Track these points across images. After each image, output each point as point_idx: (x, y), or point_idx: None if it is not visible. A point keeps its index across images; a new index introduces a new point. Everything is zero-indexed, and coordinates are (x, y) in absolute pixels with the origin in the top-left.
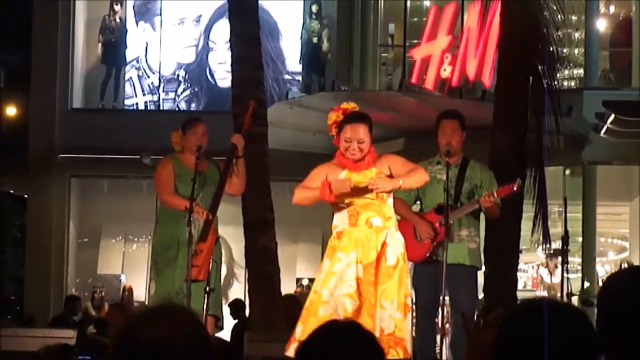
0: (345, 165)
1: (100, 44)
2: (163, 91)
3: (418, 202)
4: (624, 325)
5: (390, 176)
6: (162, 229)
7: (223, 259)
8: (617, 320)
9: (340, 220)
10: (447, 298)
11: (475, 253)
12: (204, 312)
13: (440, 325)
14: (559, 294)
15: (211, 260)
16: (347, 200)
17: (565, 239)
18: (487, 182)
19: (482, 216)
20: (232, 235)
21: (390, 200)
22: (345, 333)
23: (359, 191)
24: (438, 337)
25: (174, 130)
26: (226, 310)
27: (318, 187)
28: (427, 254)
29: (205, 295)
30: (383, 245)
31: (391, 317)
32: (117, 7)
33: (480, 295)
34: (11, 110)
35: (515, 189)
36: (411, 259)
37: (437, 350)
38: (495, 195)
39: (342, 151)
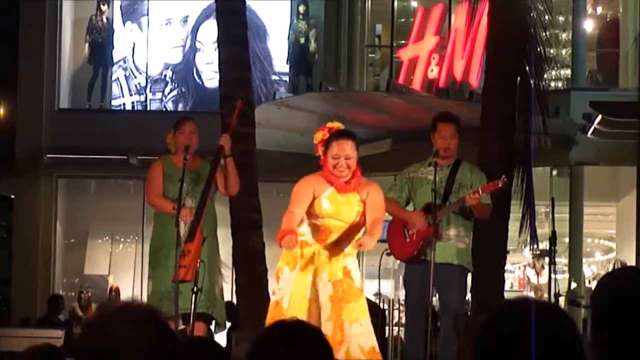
0: (332, 182)
1: (87, 44)
2: (150, 91)
3: (411, 203)
4: (618, 324)
5: (363, 203)
6: (156, 229)
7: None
8: (611, 320)
9: (308, 230)
10: (435, 298)
11: (464, 253)
12: (192, 311)
13: (429, 325)
14: (545, 295)
15: (199, 261)
16: (323, 219)
17: (552, 239)
18: (476, 183)
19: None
20: (219, 236)
21: (362, 230)
22: (294, 332)
23: (338, 213)
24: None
25: (168, 132)
26: None
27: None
28: (415, 252)
29: (193, 295)
30: (346, 268)
31: (363, 333)
32: (104, 8)
33: (468, 296)
34: None
35: (500, 185)
36: (399, 257)
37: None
38: (480, 192)
39: (330, 169)
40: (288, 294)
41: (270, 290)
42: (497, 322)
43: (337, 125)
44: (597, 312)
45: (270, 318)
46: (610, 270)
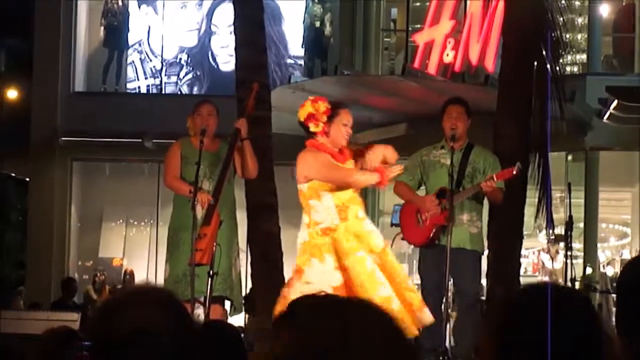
0: (333, 154)
1: (102, 28)
2: (165, 75)
3: (423, 187)
4: None
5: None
6: (174, 212)
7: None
8: (638, 304)
9: (325, 215)
10: (450, 283)
11: (477, 237)
12: (208, 295)
13: (443, 310)
14: (560, 280)
15: (215, 244)
16: (335, 195)
17: (569, 224)
18: (490, 167)
19: (486, 201)
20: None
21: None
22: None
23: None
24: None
25: (189, 115)
26: None
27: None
28: (429, 237)
29: (209, 278)
30: (371, 233)
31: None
32: None
33: (484, 280)
34: (13, 94)
35: (514, 172)
36: (413, 243)
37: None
38: (495, 179)
39: (336, 137)
40: (327, 286)
41: (285, 275)
42: (518, 307)
43: (320, 98)
44: (623, 298)
45: None
46: (633, 256)
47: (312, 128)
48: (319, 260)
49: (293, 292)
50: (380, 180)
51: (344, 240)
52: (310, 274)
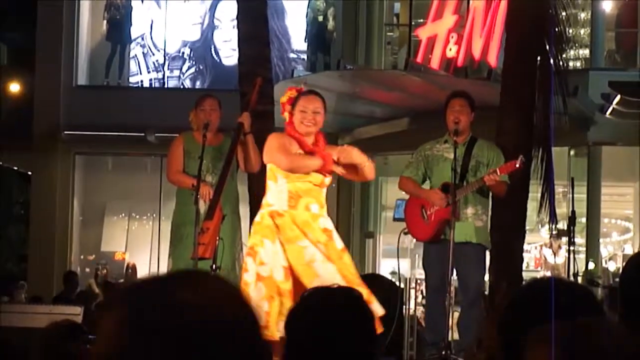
0: (300, 142)
1: (105, 21)
2: (168, 69)
3: (427, 181)
4: None
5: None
6: (177, 207)
7: None
8: None
9: (277, 199)
10: (454, 278)
11: (482, 231)
12: None
13: (447, 304)
14: (563, 275)
15: (218, 238)
16: (291, 181)
17: (571, 219)
18: (494, 160)
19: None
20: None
21: (325, 190)
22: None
23: (306, 174)
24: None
25: (191, 110)
26: None
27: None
28: (435, 233)
29: (212, 273)
30: (325, 231)
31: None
32: None
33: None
34: (15, 87)
35: (517, 165)
36: (418, 238)
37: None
38: (498, 172)
39: (296, 124)
40: (279, 266)
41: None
42: (523, 300)
43: (291, 88)
44: (626, 293)
45: (268, 293)
46: (636, 252)
47: (285, 116)
48: (271, 241)
49: (250, 275)
50: (323, 165)
51: (287, 229)
52: (264, 254)
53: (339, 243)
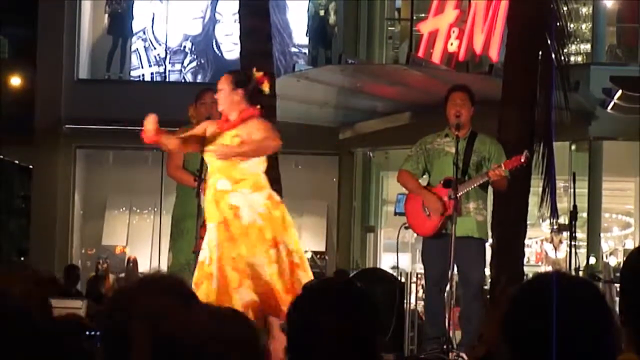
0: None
1: (106, 15)
2: (169, 63)
3: (426, 175)
4: None
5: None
6: (177, 200)
7: None
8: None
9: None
10: (455, 272)
11: (483, 226)
12: None
13: (448, 299)
14: (564, 269)
15: None
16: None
17: (573, 214)
18: (495, 155)
19: (490, 189)
20: None
21: (245, 163)
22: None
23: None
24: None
25: (190, 104)
26: None
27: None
28: (437, 228)
29: None
30: (232, 208)
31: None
32: None
33: (487, 269)
34: (17, 81)
35: (522, 160)
36: (420, 234)
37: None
38: (503, 167)
39: None
40: (206, 247)
41: None
42: (527, 295)
43: None
44: (626, 288)
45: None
46: (636, 246)
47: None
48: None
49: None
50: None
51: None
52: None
53: (246, 218)
